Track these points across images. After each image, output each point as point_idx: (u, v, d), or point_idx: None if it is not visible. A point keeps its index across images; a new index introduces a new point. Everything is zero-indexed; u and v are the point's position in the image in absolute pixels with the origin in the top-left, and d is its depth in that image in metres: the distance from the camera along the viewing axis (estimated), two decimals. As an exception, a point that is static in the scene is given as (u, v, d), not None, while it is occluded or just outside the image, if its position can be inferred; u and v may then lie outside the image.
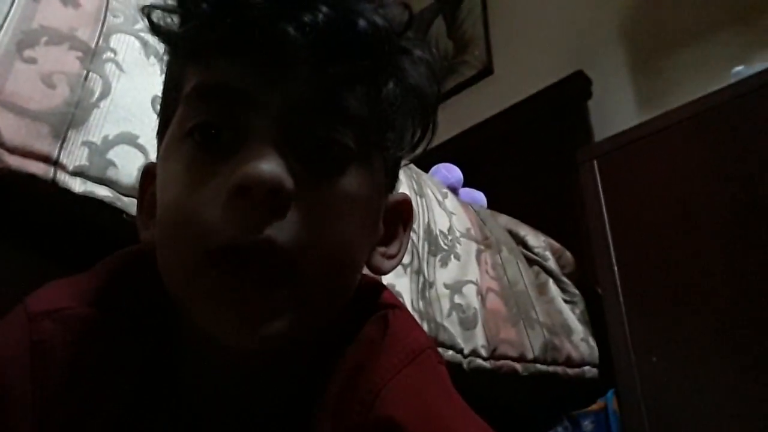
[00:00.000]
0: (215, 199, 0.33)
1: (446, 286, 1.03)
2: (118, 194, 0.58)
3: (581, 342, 1.30)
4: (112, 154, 0.59)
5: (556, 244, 1.49)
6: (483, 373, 1.01)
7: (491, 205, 1.57)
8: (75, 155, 0.56)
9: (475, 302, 1.06)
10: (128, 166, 0.59)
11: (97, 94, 0.59)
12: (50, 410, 0.36)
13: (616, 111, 1.81)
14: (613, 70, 1.88)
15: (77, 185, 0.56)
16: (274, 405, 0.41)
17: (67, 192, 0.55)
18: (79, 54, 0.59)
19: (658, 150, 1.21)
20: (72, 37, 0.59)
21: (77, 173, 0.56)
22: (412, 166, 1.12)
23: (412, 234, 0.63)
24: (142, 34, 0.65)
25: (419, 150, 0.43)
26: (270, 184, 0.32)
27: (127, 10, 0.65)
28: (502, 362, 1.06)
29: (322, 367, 0.40)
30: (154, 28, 0.36)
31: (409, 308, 0.89)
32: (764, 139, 1.05)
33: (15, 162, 0.52)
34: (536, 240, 1.45)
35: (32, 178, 0.53)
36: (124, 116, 0.61)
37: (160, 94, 0.43)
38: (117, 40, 0.63)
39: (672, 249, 1.12)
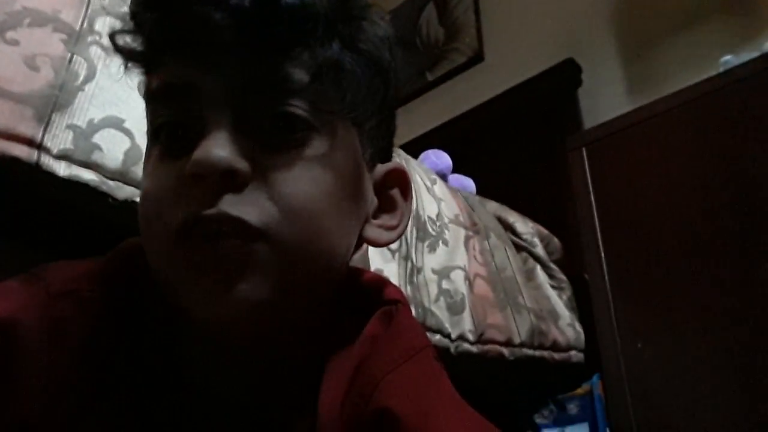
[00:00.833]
0: (177, 189, 0.35)
1: (434, 271, 1.03)
2: (103, 178, 0.58)
3: (568, 327, 1.32)
4: (97, 138, 0.58)
5: (544, 231, 1.50)
6: (470, 357, 1.02)
7: (480, 192, 1.57)
8: (59, 138, 0.56)
9: (463, 287, 1.06)
10: (114, 149, 0.59)
11: (81, 77, 0.59)
12: (61, 388, 0.37)
13: (605, 99, 1.81)
14: (604, 59, 1.88)
15: (62, 169, 0.55)
16: (280, 397, 0.42)
17: (52, 175, 0.55)
18: (63, 36, 0.58)
19: (647, 138, 1.21)
20: (56, 18, 0.58)
21: (62, 156, 0.55)
22: (400, 151, 1.12)
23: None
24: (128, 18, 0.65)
25: (386, 112, 0.44)
26: (220, 167, 0.34)
27: (111, -8, 0.65)
28: (489, 347, 1.07)
29: (325, 361, 0.41)
30: (118, 50, 0.39)
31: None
32: (753, 127, 1.06)
33: (-2, 144, 0.51)
34: (524, 226, 1.46)
35: (15, 161, 0.53)
36: (110, 100, 0.60)
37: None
38: (102, 23, 0.62)
39: (659, 236, 1.13)
